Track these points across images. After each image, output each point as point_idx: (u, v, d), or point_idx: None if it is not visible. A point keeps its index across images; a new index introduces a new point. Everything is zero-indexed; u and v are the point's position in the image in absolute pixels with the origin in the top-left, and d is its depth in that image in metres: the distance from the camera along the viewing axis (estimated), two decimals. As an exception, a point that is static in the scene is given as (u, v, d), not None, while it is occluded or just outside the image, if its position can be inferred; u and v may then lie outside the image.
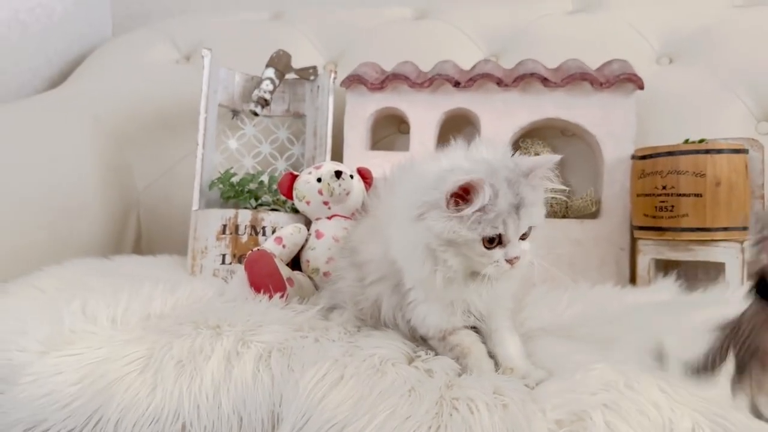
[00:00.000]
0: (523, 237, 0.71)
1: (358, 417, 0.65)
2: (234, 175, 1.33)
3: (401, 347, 0.80)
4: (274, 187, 1.34)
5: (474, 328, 0.80)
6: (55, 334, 0.81)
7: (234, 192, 1.31)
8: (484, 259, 0.70)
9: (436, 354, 0.80)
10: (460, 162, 0.73)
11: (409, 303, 0.81)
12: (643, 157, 1.17)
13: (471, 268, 0.72)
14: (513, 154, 0.75)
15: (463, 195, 0.68)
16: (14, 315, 0.88)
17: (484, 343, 0.80)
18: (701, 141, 1.14)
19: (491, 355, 0.78)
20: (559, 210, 1.31)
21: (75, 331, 0.82)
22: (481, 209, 0.67)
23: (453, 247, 0.70)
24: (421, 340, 0.84)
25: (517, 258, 0.70)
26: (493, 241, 0.70)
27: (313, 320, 0.88)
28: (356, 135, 1.37)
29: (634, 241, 1.23)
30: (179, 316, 0.88)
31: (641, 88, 1.25)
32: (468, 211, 0.67)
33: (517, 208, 0.69)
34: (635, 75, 1.24)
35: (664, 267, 1.22)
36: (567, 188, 0.76)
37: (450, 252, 0.71)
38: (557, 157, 0.74)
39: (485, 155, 0.74)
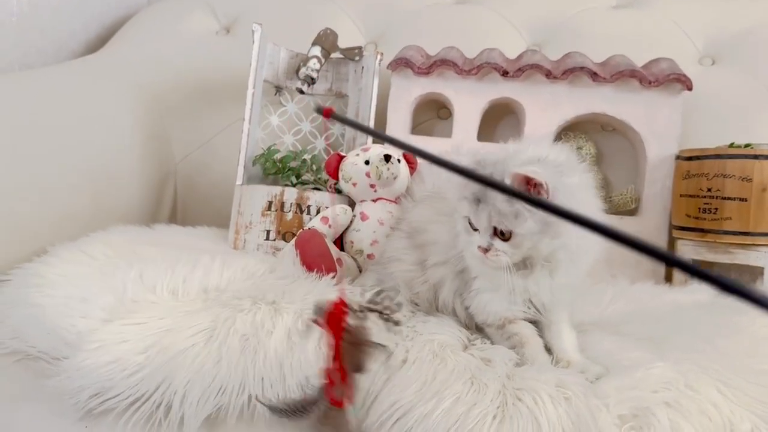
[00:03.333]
0: (505, 237, 0.73)
1: (425, 401, 0.67)
2: (277, 151, 1.34)
3: (457, 334, 0.82)
4: (315, 166, 1.35)
5: (532, 322, 0.82)
6: (117, 303, 0.82)
7: (276, 169, 1.31)
8: (466, 237, 0.77)
9: (492, 343, 0.81)
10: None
11: (471, 290, 0.83)
12: (689, 158, 1.18)
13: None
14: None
15: None
16: (72, 281, 0.89)
17: (541, 336, 0.81)
18: (747, 145, 1.15)
19: (547, 348, 0.80)
20: (599, 205, 1.32)
21: (137, 300, 0.83)
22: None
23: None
24: (475, 329, 0.86)
25: (483, 249, 0.73)
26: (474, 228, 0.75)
27: (369, 303, 0.89)
28: (399, 118, 1.37)
29: (672, 240, 1.25)
30: (237, 290, 0.89)
31: (689, 89, 1.25)
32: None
33: (478, 201, 0.73)
34: (684, 75, 1.24)
35: (699, 267, 1.24)
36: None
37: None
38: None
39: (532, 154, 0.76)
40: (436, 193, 0.95)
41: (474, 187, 0.73)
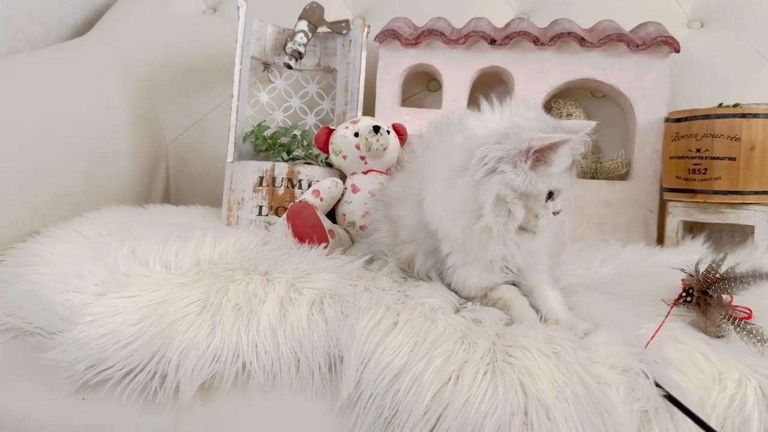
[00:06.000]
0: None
1: (416, 361, 0.68)
2: (267, 128, 1.34)
3: (448, 297, 0.83)
4: (306, 141, 1.35)
5: (514, 285, 0.83)
6: (110, 278, 0.83)
7: (267, 145, 1.31)
8: (543, 210, 0.75)
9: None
10: (520, 120, 0.75)
11: (448, 268, 0.84)
12: (678, 120, 1.18)
13: (528, 220, 0.76)
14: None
15: (543, 151, 0.71)
16: (66, 259, 0.90)
17: (525, 296, 0.82)
18: (735, 105, 1.15)
19: (534, 309, 0.81)
20: (589, 171, 1.33)
21: (129, 274, 0.84)
22: (549, 164, 0.71)
23: (523, 200, 0.74)
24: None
25: (559, 212, 0.77)
26: (551, 195, 0.74)
27: (361, 270, 0.90)
28: (388, 91, 1.37)
29: (663, 202, 1.25)
30: (230, 262, 0.90)
31: (677, 51, 1.24)
32: (557, 168, 0.72)
33: (570, 167, 0.75)
34: (671, 38, 1.24)
35: (690, 229, 1.24)
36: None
37: (519, 204, 0.74)
38: (593, 123, 0.76)
39: (529, 114, 0.77)
40: (409, 171, 0.95)
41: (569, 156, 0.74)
